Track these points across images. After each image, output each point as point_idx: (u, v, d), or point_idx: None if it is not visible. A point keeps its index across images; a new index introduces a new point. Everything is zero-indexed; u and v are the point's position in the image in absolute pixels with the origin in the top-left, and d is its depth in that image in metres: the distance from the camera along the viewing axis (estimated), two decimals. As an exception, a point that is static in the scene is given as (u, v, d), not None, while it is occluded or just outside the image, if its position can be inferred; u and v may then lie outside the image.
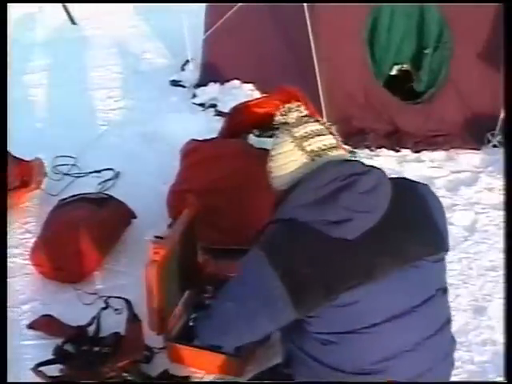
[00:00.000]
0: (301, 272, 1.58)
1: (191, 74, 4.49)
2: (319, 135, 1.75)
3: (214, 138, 3.05)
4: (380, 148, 3.72)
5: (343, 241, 1.58)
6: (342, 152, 1.77)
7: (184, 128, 3.76)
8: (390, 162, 3.59)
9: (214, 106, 4.13)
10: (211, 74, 4.31)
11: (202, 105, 4.18)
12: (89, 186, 3.29)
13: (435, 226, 1.70)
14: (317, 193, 1.63)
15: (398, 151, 3.70)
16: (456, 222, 3.06)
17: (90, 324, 2.37)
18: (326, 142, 1.75)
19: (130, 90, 4.43)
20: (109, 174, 3.40)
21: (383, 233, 1.60)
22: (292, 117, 1.81)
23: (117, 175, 3.40)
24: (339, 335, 1.59)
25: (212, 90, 4.21)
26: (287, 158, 1.75)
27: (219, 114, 4.02)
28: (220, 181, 2.71)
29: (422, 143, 3.74)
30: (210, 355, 2.20)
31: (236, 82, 4.19)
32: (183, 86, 4.46)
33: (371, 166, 1.70)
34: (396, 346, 1.60)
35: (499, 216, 3.12)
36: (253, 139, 2.88)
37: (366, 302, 1.57)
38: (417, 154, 3.68)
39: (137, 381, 2.15)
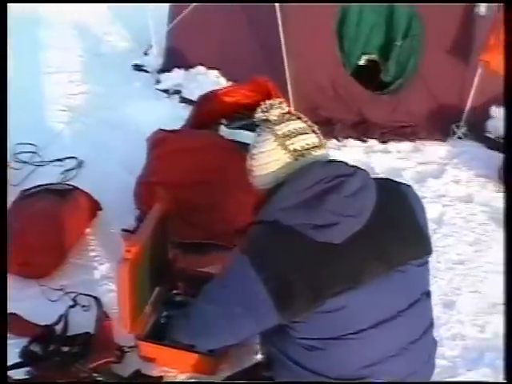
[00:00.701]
0: (285, 277, 1.54)
1: (154, 59, 4.37)
2: (302, 134, 1.71)
3: (183, 129, 2.96)
4: (347, 138, 3.71)
5: (329, 245, 1.55)
6: (325, 151, 1.74)
7: (149, 115, 3.69)
8: (357, 152, 3.59)
9: (178, 92, 4.04)
10: (175, 59, 4.21)
11: (166, 91, 4.08)
12: (51, 175, 3.16)
13: (419, 229, 1.68)
14: (301, 195, 1.58)
15: (364, 141, 3.70)
16: (424, 215, 3.08)
17: (57, 323, 2.28)
18: (309, 140, 1.71)
19: (92, 74, 4.28)
20: (72, 163, 3.29)
21: (369, 236, 1.57)
22: (274, 114, 1.75)
23: (80, 164, 3.29)
24: (324, 341, 1.56)
25: (176, 76, 4.11)
26: (269, 157, 1.70)
27: (184, 100, 3.94)
28: (191, 174, 2.64)
29: (388, 134, 3.74)
30: (182, 354, 2.14)
31: (201, 68, 4.09)
32: (146, 71, 4.33)
33: (356, 167, 1.67)
34: (382, 352, 1.58)
35: (466, 209, 3.15)
36: (224, 131, 2.81)
37: (353, 307, 1.54)
38: (384, 145, 3.68)
39: (108, 382, 2.08)
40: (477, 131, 3.72)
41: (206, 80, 3.97)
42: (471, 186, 3.32)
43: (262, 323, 1.61)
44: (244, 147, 2.75)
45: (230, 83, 3.95)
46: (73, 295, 2.44)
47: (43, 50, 4.60)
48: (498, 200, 3.15)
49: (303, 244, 1.55)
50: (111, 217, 2.92)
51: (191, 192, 2.61)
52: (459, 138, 3.71)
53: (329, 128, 3.64)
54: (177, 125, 3.36)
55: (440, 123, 3.74)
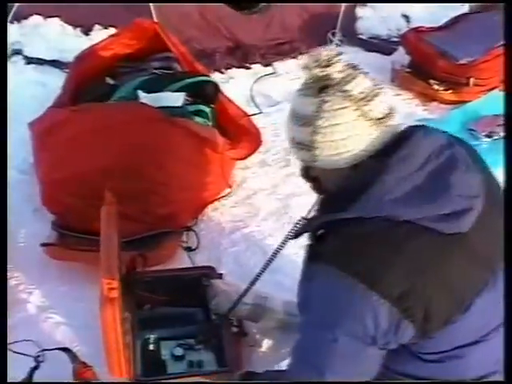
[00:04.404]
0: (420, 290, 1.13)
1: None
2: (376, 94, 1.21)
3: (90, 104, 2.26)
4: (230, 68, 3.26)
5: (457, 236, 1.16)
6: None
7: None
8: (246, 81, 3.16)
9: (19, 52, 3.23)
10: None
11: (2, 53, 3.24)
12: None
13: None
14: (413, 179, 1.16)
15: (248, 68, 3.28)
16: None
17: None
18: (385, 104, 1.22)
19: None
20: None
21: (486, 216, 1.21)
22: (337, 69, 1.19)
23: None
24: (456, 350, 1.21)
25: (11, 33, 3.25)
26: (349, 131, 1.18)
27: (31, 61, 3.17)
28: (116, 158, 2.04)
29: (268, 54, 3.36)
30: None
31: (38, 18, 3.29)
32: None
33: (443, 131, 1.29)
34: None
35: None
36: (145, 97, 2.18)
37: (491, 304, 1.20)
38: (269, 68, 3.29)
39: None
40: (350, 35, 3.49)
41: (50, 31, 3.20)
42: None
43: (392, 345, 1.20)
44: (172, 112, 2.21)
45: (78, 30, 3.25)
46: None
47: None
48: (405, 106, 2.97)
49: (430, 241, 1.15)
50: (13, 226, 2.24)
51: (120, 179, 2.03)
52: (337, 45, 3.44)
53: (208, 60, 3.16)
54: (37, 91, 2.70)
55: (316, 34, 3.43)
